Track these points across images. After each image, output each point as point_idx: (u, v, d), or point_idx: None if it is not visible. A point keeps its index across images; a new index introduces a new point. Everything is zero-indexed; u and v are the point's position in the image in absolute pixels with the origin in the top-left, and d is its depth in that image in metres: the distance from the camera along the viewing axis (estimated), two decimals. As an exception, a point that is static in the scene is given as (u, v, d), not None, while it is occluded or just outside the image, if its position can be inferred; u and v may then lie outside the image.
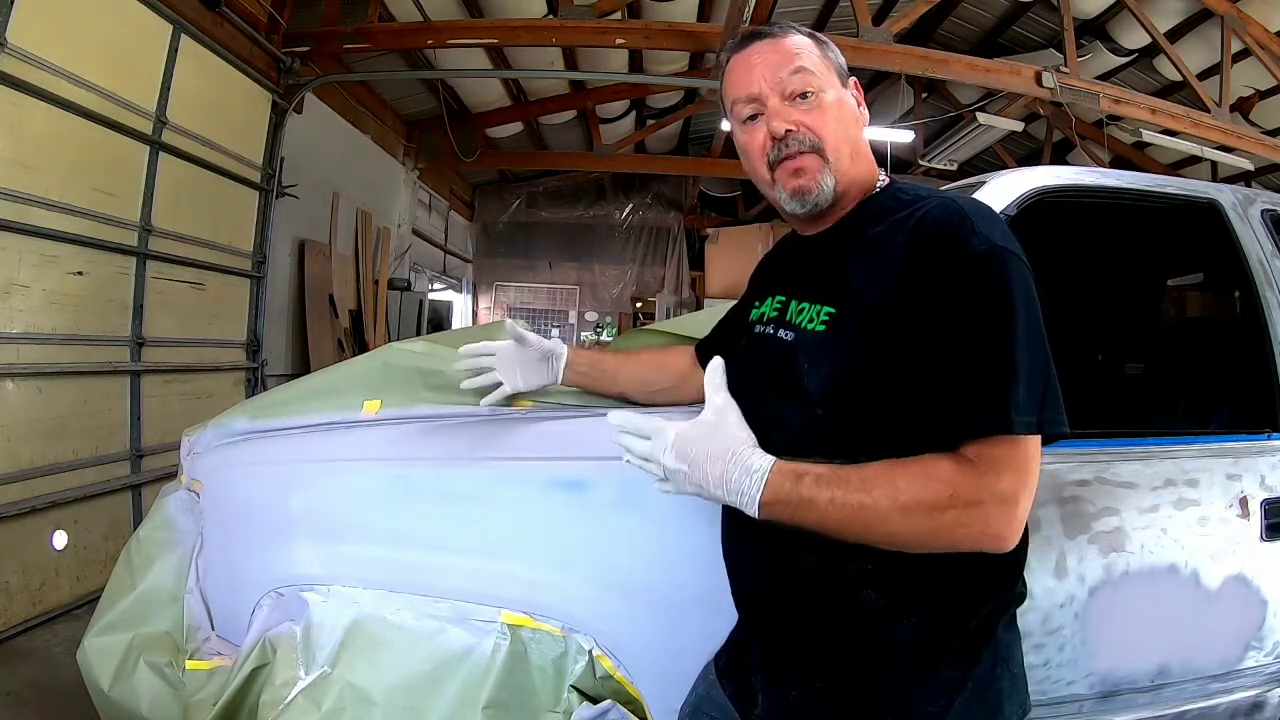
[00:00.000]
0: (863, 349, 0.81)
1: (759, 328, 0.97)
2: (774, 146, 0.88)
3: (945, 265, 0.78)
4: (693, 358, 1.24)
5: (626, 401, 1.29)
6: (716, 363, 0.85)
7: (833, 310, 0.85)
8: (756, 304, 1.01)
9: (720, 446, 0.78)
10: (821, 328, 0.85)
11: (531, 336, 1.26)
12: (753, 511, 0.77)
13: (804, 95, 0.88)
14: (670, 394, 1.26)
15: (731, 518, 0.96)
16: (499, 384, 1.26)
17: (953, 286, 0.77)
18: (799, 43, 0.90)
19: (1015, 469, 0.73)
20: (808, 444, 0.75)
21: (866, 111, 0.95)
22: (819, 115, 0.88)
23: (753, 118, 0.91)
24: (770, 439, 0.86)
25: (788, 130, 0.87)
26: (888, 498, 0.73)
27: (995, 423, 0.73)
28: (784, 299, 0.94)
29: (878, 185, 0.93)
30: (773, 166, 0.89)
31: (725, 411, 0.81)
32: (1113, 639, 1.30)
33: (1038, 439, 0.75)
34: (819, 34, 0.94)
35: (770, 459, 0.77)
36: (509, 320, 1.31)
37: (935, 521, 0.72)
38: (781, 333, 0.91)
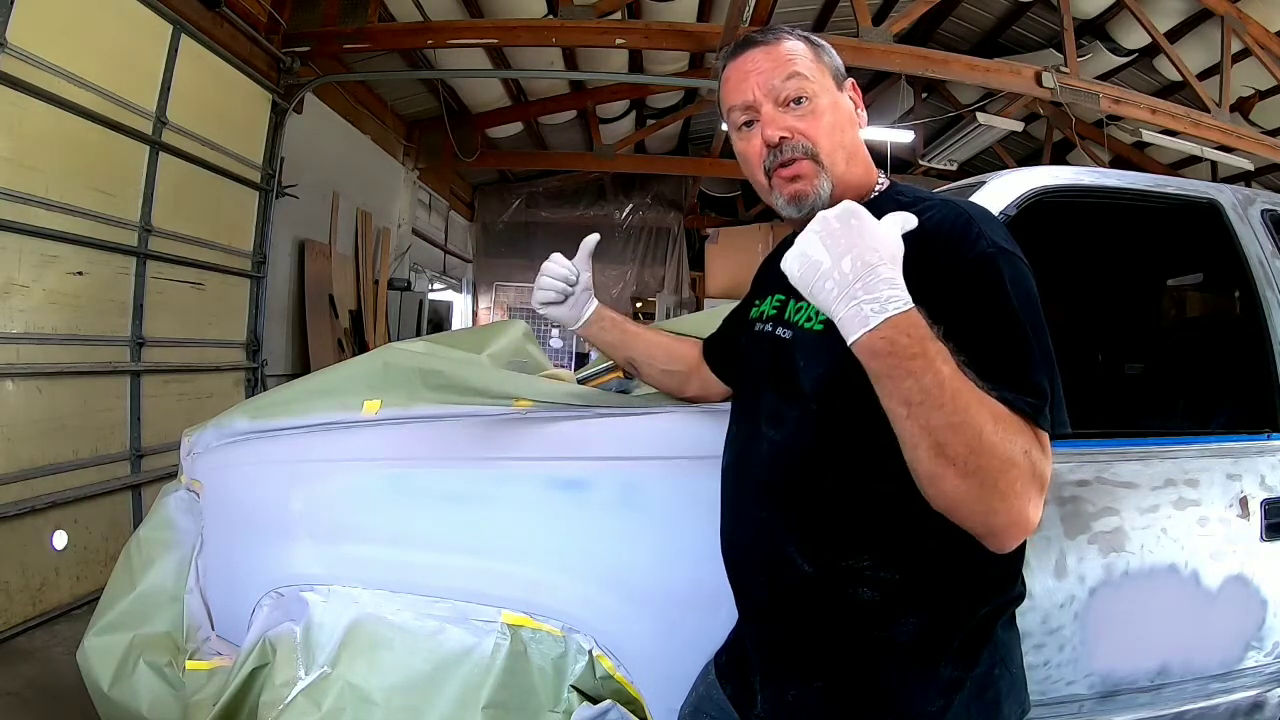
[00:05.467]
0: None
1: (759, 325, 0.98)
2: (769, 153, 0.89)
3: (953, 267, 0.78)
4: (700, 353, 1.24)
5: (633, 370, 1.28)
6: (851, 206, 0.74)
7: None
8: (757, 302, 1.02)
9: (880, 238, 0.70)
10: (820, 326, 0.85)
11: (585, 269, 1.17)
12: (860, 330, 0.68)
13: (798, 101, 0.88)
14: (677, 380, 1.26)
15: (731, 516, 0.96)
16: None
17: (961, 288, 0.77)
18: (793, 48, 0.91)
19: (1046, 458, 0.72)
20: (802, 439, 0.75)
21: (864, 113, 0.96)
22: (813, 121, 0.88)
23: (749, 124, 0.91)
24: (766, 434, 0.86)
25: (782, 137, 0.88)
26: (992, 417, 0.68)
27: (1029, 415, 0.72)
28: (783, 298, 0.94)
29: (877, 188, 0.94)
30: (769, 173, 0.90)
31: (892, 225, 0.72)
32: (1113, 639, 1.30)
33: None
34: (814, 37, 0.94)
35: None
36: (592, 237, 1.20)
37: (1006, 472, 0.68)
38: (780, 330, 0.92)
